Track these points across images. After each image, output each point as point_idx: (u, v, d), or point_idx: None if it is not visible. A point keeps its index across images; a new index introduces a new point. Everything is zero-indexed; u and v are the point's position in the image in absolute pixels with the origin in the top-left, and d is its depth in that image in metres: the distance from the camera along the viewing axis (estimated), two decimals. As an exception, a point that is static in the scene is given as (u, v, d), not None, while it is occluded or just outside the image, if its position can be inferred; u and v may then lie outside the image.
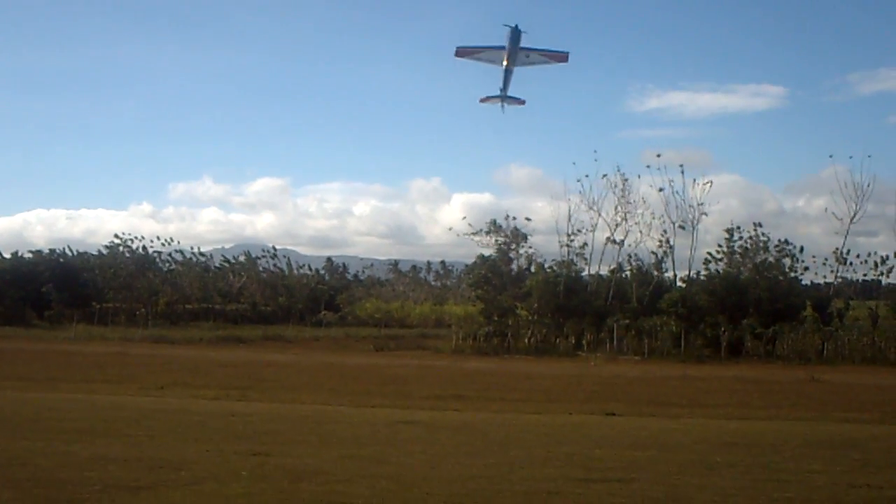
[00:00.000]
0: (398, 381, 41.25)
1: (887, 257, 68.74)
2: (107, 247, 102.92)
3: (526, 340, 69.33)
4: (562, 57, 44.91)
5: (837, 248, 69.20)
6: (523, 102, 47.31)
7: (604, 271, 75.45)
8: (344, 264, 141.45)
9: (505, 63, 44.50)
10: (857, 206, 68.06)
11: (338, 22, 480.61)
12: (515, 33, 42.43)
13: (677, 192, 71.41)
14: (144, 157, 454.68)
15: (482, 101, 47.45)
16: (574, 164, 78.00)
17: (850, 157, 70.73)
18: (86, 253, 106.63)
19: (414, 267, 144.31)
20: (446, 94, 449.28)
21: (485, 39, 45.13)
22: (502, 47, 44.08)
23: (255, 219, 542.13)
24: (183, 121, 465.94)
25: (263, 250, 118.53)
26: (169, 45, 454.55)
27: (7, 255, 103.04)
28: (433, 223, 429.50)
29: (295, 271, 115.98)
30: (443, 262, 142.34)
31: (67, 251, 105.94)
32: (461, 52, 45.69)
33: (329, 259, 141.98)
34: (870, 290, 79.83)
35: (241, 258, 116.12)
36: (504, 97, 46.25)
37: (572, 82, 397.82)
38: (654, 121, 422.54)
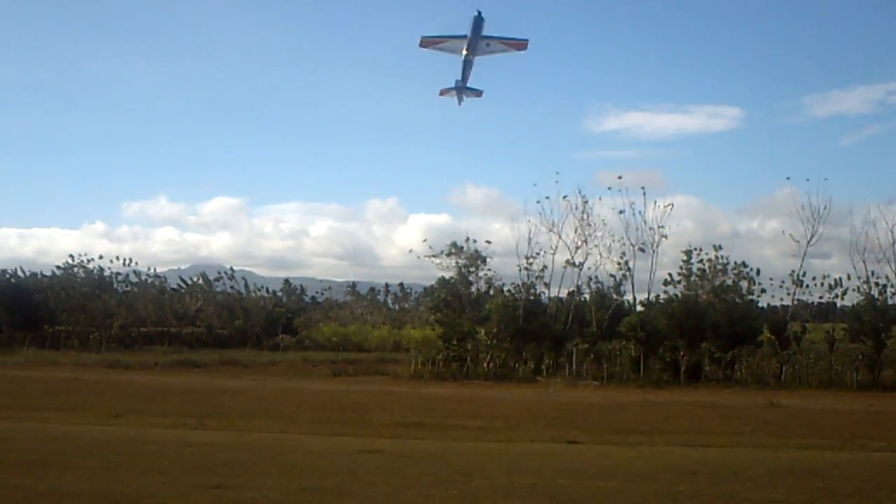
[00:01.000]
0: (357, 408, 40.89)
1: (841, 280, 69.19)
2: (60, 267, 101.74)
3: (485, 365, 69.02)
4: (521, 45, 45.32)
5: (794, 271, 69.62)
6: (480, 94, 47.70)
7: (563, 294, 75.40)
8: (302, 286, 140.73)
9: (465, 52, 44.86)
10: (813, 228, 68.51)
11: (292, 40, 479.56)
12: (478, 20, 43.01)
13: (639, 213, 71.60)
14: (98, 175, 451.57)
15: (442, 93, 47.73)
16: (535, 185, 77.64)
17: (808, 180, 71.14)
18: (38, 274, 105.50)
19: (372, 289, 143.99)
20: (403, 113, 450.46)
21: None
22: (465, 36, 44.50)
23: (211, 239, 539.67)
24: (137, 138, 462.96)
25: (220, 272, 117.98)
26: (124, 60, 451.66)
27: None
28: (390, 244, 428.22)
29: (252, 293, 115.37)
30: (401, 285, 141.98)
31: (19, 272, 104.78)
32: (425, 41, 45.96)
33: (287, 281, 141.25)
34: (825, 312, 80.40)
35: (198, 280, 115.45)
36: (462, 88, 46.55)
37: (530, 102, 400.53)
38: (612, 141, 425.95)
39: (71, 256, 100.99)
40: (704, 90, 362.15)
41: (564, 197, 72.91)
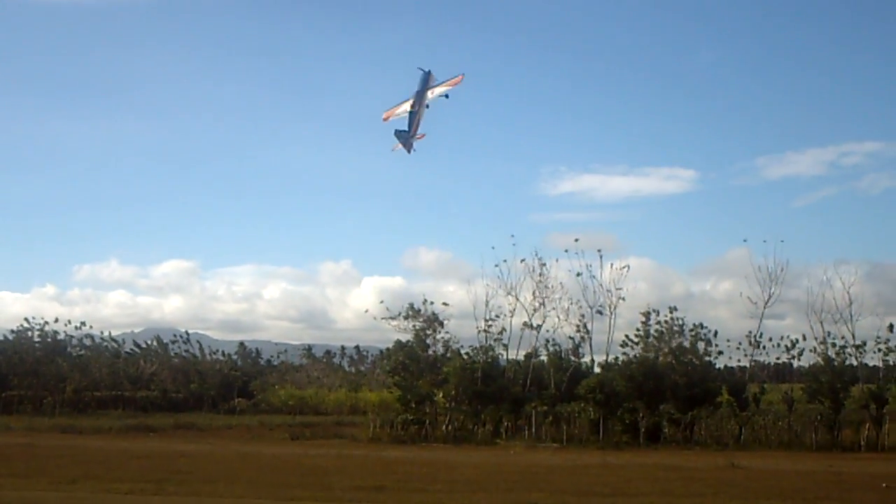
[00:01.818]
0: (317, 472, 40.48)
1: (797, 340, 69.37)
2: (13, 331, 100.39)
3: (444, 428, 68.74)
4: (456, 81, 46.46)
5: (751, 332, 69.69)
6: (423, 136, 48.49)
7: (522, 356, 75.23)
8: (257, 349, 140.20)
9: (409, 105, 45.86)
10: (771, 289, 68.71)
11: (245, 103, 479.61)
12: (425, 76, 44.28)
13: (594, 277, 71.61)
14: (48, 238, 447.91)
15: (394, 148, 48.42)
16: (493, 248, 77.43)
17: (765, 242, 71.17)
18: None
19: (328, 352, 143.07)
20: (355, 176, 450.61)
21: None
22: (413, 94, 45.66)
23: (164, 302, 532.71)
24: (88, 200, 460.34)
25: (175, 335, 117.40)
26: (74, 121, 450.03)
27: None
28: (344, 307, 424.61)
29: (207, 356, 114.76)
30: (357, 347, 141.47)
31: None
32: (388, 114, 47.34)
33: (242, 344, 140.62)
34: (782, 373, 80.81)
35: (153, 343, 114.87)
36: (411, 136, 47.27)
37: (483, 165, 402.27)
38: (567, 204, 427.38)
39: (26, 320, 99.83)
40: (659, 152, 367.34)
41: (522, 260, 72.82)
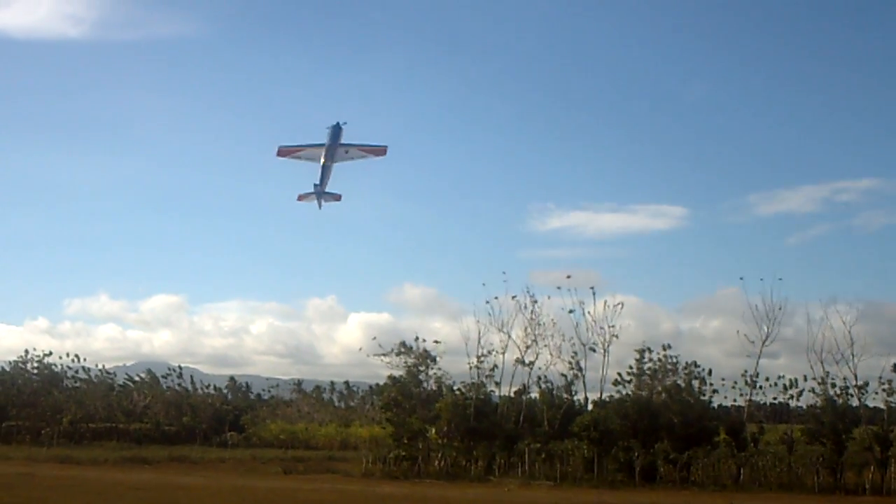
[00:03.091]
0: (314, 507, 40.59)
1: (796, 381, 68.85)
2: (11, 363, 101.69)
3: (436, 464, 68.63)
4: (380, 150, 46.52)
5: (746, 371, 69.18)
6: (339, 197, 48.46)
7: (513, 393, 75.00)
8: (247, 383, 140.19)
9: (323, 159, 45.88)
10: (768, 328, 68.15)
11: (229, 139, 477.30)
12: (336, 129, 44.22)
13: (587, 313, 71.54)
14: (40, 272, 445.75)
15: (300, 198, 48.42)
16: (484, 285, 76.81)
17: (761, 280, 70.43)
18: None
19: (317, 387, 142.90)
20: (339, 212, 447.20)
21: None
22: (322, 144, 45.50)
23: (153, 336, 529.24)
24: (78, 235, 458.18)
25: (169, 369, 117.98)
26: (65, 157, 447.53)
27: None
28: (331, 343, 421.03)
29: (199, 390, 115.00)
30: (346, 383, 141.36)
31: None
32: (282, 151, 47.12)
33: (232, 378, 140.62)
34: (779, 413, 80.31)
35: (145, 376, 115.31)
36: (321, 193, 47.30)
37: (472, 201, 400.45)
38: (554, 241, 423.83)
39: (26, 351, 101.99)
40: (648, 189, 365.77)
41: (514, 297, 72.78)
